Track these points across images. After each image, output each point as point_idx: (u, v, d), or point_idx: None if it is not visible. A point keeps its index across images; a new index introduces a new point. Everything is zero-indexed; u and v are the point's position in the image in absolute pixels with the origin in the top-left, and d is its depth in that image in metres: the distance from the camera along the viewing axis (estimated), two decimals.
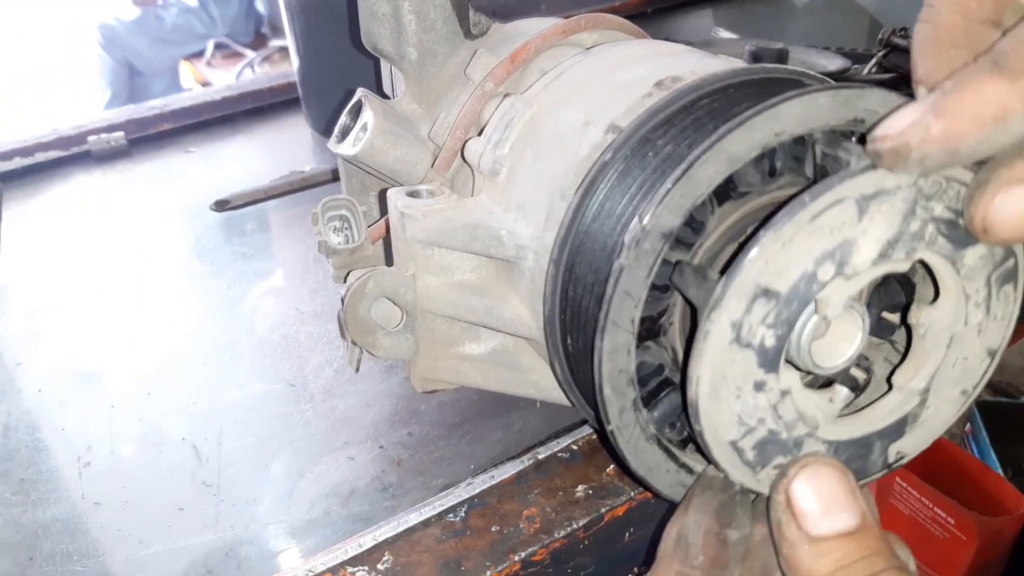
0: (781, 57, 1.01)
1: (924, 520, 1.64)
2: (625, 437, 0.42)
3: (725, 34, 1.30)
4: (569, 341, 0.45)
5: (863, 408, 0.44)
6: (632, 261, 0.38)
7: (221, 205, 0.93)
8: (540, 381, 0.54)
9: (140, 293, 0.83)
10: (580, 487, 0.53)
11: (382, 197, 0.61)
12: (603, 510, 0.52)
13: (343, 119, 0.62)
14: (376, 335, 0.52)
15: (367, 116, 0.59)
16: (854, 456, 0.44)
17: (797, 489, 0.38)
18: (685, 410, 0.40)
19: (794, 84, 0.46)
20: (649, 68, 0.48)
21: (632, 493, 0.53)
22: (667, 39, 0.59)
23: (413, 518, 0.52)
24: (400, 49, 0.60)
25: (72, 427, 0.66)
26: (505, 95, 0.55)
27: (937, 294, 0.42)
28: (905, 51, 1.06)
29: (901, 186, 0.37)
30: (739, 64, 0.49)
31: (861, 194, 0.36)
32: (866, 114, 0.40)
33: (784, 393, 0.40)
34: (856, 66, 1.08)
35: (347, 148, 0.60)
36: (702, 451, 0.41)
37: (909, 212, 0.38)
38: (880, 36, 1.09)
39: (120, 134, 1.09)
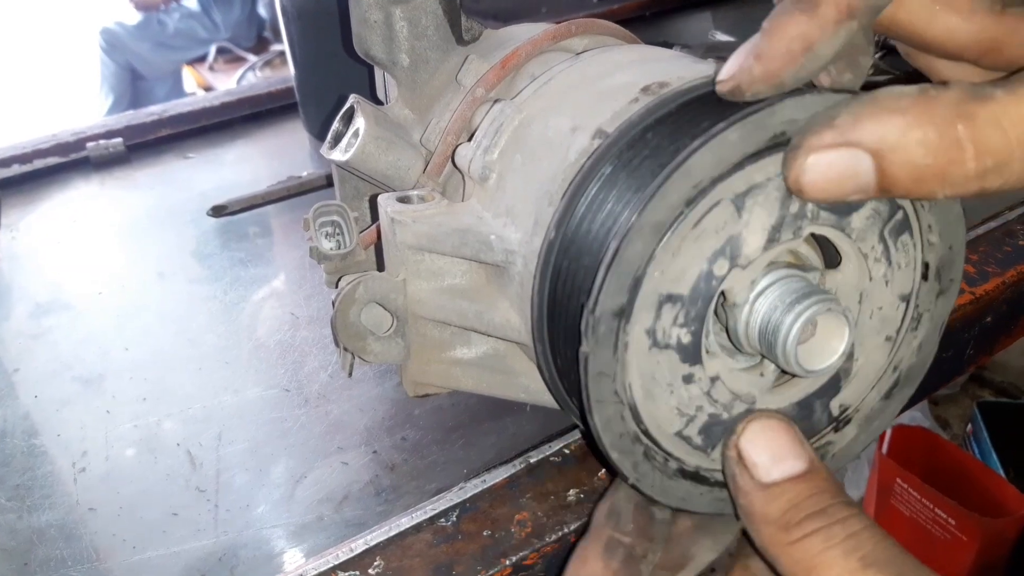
0: None
1: (925, 521, 1.64)
2: (648, 484, 0.43)
3: (723, 37, 1.31)
4: (559, 362, 0.46)
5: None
6: (594, 346, 0.39)
7: (218, 210, 0.94)
8: (530, 385, 0.54)
9: (137, 299, 0.83)
10: (572, 491, 0.53)
11: (374, 202, 0.61)
12: None
13: (335, 125, 0.62)
14: (367, 340, 0.52)
15: (359, 122, 0.59)
16: (797, 419, 0.45)
17: (746, 444, 0.41)
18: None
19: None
20: (636, 73, 0.48)
21: None
22: (665, 43, 0.60)
23: (405, 523, 0.52)
24: (392, 55, 0.60)
25: (68, 433, 0.66)
26: (495, 100, 0.55)
27: (839, 260, 0.44)
28: (900, 54, 1.06)
29: (771, 177, 0.39)
30: None
31: (735, 193, 0.39)
32: (784, 126, 0.39)
33: (713, 379, 0.42)
34: None
35: (339, 154, 0.60)
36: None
37: (785, 197, 0.40)
38: (877, 38, 1.09)
39: (119, 140, 1.09)
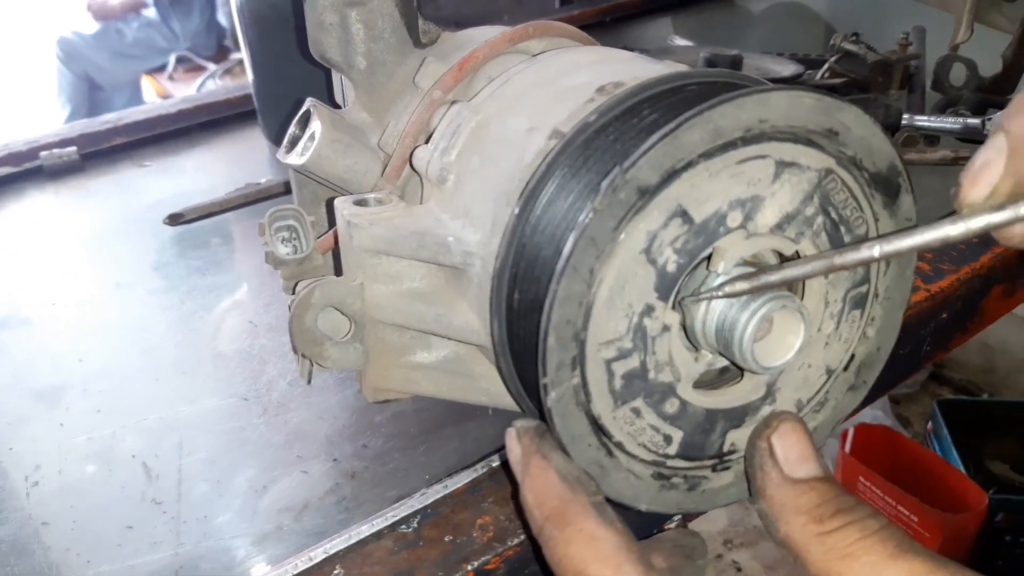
0: (735, 63, 1.02)
1: (888, 518, 1.66)
2: (556, 395, 0.40)
3: (681, 42, 1.32)
4: (518, 363, 0.45)
5: (720, 387, 0.46)
6: (604, 208, 0.38)
7: (175, 219, 0.92)
8: (491, 388, 0.54)
9: (93, 309, 0.82)
10: None
11: (332, 206, 0.60)
12: None
13: (292, 129, 0.61)
14: (324, 346, 0.52)
15: (315, 125, 0.58)
16: (699, 429, 0.45)
17: (776, 440, 0.43)
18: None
19: (737, 88, 0.46)
20: (592, 74, 0.48)
21: None
22: (625, 47, 0.60)
23: (365, 530, 0.51)
24: (348, 59, 0.60)
25: (20, 446, 0.64)
26: (453, 102, 0.55)
27: (803, 294, 0.45)
28: (855, 56, 1.08)
29: (811, 167, 0.42)
30: (683, 68, 0.49)
31: (782, 158, 0.41)
32: (841, 127, 0.42)
33: (665, 329, 0.42)
34: (809, 71, 1.10)
35: (295, 158, 0.59)
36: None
37: (809, 196, 0.42)
38: (832, 42, 1.11)
39: (73, 149, 1.07)
